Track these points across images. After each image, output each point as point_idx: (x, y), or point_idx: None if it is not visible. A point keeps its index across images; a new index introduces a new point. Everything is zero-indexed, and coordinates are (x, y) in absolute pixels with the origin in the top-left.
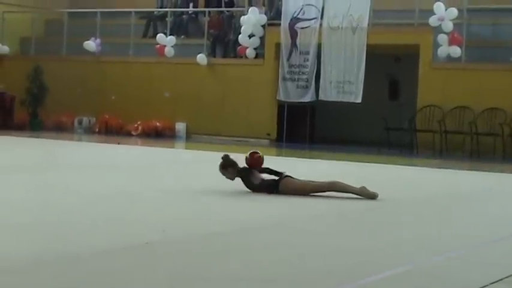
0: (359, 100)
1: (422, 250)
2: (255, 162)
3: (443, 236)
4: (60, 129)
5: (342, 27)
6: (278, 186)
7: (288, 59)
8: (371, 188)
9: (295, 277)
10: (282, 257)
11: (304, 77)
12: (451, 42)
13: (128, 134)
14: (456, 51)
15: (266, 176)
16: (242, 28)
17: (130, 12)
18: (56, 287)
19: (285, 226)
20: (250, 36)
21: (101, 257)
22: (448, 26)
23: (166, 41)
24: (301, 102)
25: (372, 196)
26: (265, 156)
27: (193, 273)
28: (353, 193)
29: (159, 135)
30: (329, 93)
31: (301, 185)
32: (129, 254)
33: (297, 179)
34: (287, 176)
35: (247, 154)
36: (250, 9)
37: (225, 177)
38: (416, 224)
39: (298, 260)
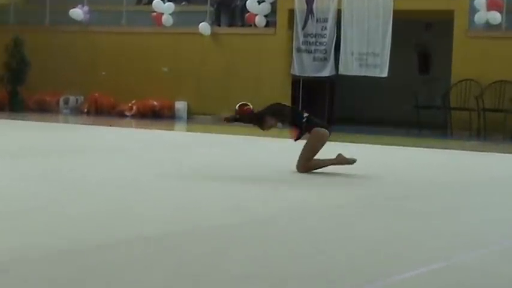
0: (385, 74)
1: (458, 244)
2: (243, 114)
3: (481, 227)
4: (44, 109)
5: None
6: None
7: (303, 28)
8: (404, 176)
9: (313, 275)
10: (298, 252)
11: (322, 48)
12: (490, 7)
13: (121, 115)
14: (496, 17)
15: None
16: None
17: None
18: (42, 285)
19: (303, 217)
20: (259, 2)
21: (92, 252)
22: None
23: (163, 8)
24: (318, 77)
25: (351, 162)
26: (277, 140)
27: (193, 270)
28: (331, 164)
29: (157, 115)
30: (350, 67)
31: (309, 156)
32: (124, 248)
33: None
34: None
35: (236, 106)
36: None
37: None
38: (450, 214)
39: (318, 255)
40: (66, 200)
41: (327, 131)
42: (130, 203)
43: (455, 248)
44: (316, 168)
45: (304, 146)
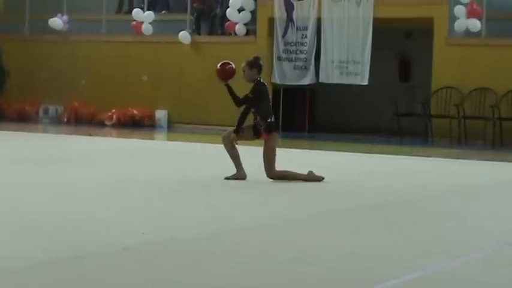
0: (365, 82)
1: (440, 252)
2: (226, 73)
3: (463, 235)
4: (23, 119)
5: None
6: (272, 131)
7: (283, 36)
8: (385, 185)
9: (294, 285)
10: (280, 261)
11: (302, 56)
12: (470, 15)
13: (101, 124)
14: (475, 24)
15: None
16: (230, 1)
17: None
18: None
19: (285, 225)
20: (239, 11)
21: (70, 264)
22: None
23: (143, 16)
24: (299, 85)
25: (320, 179)
26: (257, 148)
27: (172, 281)
28: (301, 180)
29: (137, 124)
30: (331, 75)
31: (273, 159)
32: (104, 260)
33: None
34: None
35: (218, 65)
36: None
37: (243, 74)
38: (432, 222)
39: (298, 264)
40: (44, 210)
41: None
42: (109, 213)
43: (435, 257)
44: (287, 179)
45: (265, 151)
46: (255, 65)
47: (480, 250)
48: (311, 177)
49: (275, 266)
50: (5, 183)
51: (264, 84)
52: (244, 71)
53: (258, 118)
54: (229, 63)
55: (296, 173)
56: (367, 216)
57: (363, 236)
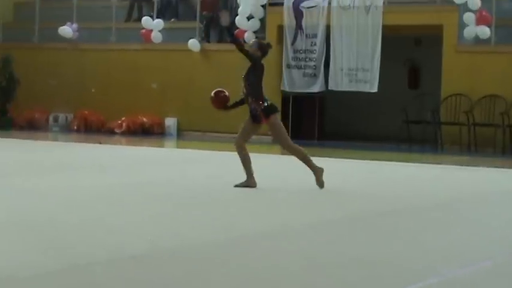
0: (375, 89)
1: (450, 260)
2: (219, 101)
3: (473, 243)
4: (33, 127)
5: (353, 6)
6: (270, 114)
7: (292, 44)
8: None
9: None
10: (287, 269)
11: (312, 64)
12: (479, 22)
13: (111, 132)
14: (485, 31)
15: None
16: (239, 9)
17: None
18: None
19: (294, 233)
20: (248, 18)
21: (80, 271)
22: (475, 3)
23: (152, 24)
24: (308, 93)
25: (320, 184)
26: (267, 156)
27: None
28: (310, 168)
29: (146, 132)
30: (340, 82)
31: (285, 134)
32: (113, 266)
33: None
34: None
35: (212, 93)
36: None
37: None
38: (442, 230)
39: (308, 271)
40: (53, 217)
41: None
42: (118, 220)
43: (445, 264)
44: (297, 156)
45: (273, 131)
46: (262, 49)
47: (490, 258)
48: (316, 172)
49: (285, 274)
50: (14, 190)
51: (263, 64)
52: (252, 45)
53: (251, 101)
54: (223, 91)
55: (308, 158)
56: (376, 224)
57: (372, 244)
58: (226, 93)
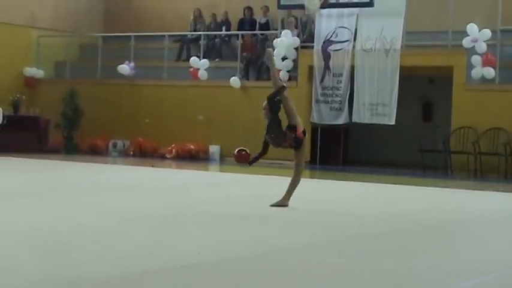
0: (392, 122)
1: (456, 273)
2: (242, 158)
3: (476, 259)
4: (95, 152)
5: (375, 49)
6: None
7: (321, 82)
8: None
9: None
10: (316, 280)
11: (338, 99)
12: (485, 64)
13: (162, 157)
14: (490, 72)
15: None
16: (275, 51)
17: (163, 35)
18: None
19: (319, 248)
20: (283, 59)
21: (132, 280)
22: (482, 47)
23: (199, 64)
24: (334, 125)
25: (274, 204)
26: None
27: None
28: (286, 193)
29: (193, 157)
30: (362, 116)
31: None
32: (164, 277)
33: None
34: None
35: (235, 151)
36: (283, 32)
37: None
38: (449, 247)
39: (330, 282)
40: (113, 232)
41: None
42: (169, 235)
43: (455, 276)
44: (294, 177)
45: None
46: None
47: (493, 272)
48: (283, 200)
49: (312, 285)
50: (78, 208)
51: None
52: (264, 110)
53: (288, 134)
54: (244, 150)
55: (296, 186)
56: (392, 240)
57: (389, 258)
58: (247, 151)
